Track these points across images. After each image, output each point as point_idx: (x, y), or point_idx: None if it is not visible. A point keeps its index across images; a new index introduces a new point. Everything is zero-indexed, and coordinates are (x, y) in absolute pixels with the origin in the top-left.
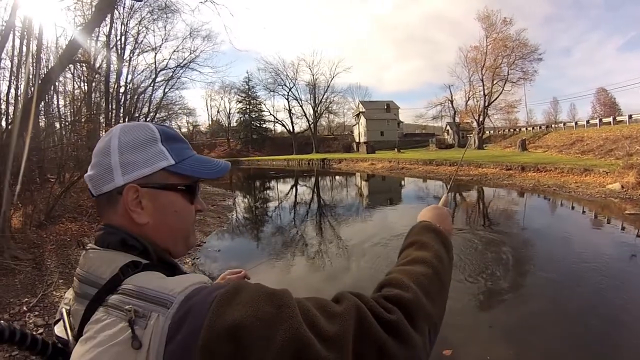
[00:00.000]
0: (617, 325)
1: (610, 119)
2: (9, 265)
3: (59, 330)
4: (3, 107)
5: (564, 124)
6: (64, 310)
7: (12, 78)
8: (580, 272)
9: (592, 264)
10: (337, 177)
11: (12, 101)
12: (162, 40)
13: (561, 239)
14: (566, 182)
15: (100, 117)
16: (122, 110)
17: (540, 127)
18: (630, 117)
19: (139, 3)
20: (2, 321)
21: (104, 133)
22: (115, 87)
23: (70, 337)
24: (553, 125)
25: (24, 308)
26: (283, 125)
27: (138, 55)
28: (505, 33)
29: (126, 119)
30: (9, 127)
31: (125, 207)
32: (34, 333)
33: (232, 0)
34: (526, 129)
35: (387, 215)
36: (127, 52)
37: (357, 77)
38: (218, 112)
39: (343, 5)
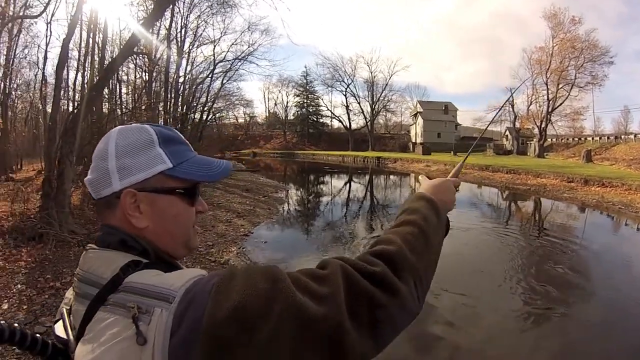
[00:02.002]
0: None
1: None
2: (66, 238)
3: (59, 330)
4: (71, 93)
5: (635, 136)
6: (64, 310)
7: (80, 67)
8: (636, 304)
9: None
10: (391, 177)
11: (79, 88)
12: (221, 33)
13: (622, 262)
14: (633, 201)
15: (160, 106)
16: (180, 100)
17: (608, 138)
18: None
19: None
20: (2, 321)
21: (162, 121)
22: (175, 77)
23: (71, 337)
24: (623, 137)
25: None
26: (340, 121)
27: (197, 47)
28: (573, 33)
29: (184, 108)
30: (75, 111)
31: (123, 212)
32: (34, 333)
33: None
34: (592, 138)
35: None
36: (187, 44)
37: (416, 77)
38: (275, 104)
39: (405, 2)
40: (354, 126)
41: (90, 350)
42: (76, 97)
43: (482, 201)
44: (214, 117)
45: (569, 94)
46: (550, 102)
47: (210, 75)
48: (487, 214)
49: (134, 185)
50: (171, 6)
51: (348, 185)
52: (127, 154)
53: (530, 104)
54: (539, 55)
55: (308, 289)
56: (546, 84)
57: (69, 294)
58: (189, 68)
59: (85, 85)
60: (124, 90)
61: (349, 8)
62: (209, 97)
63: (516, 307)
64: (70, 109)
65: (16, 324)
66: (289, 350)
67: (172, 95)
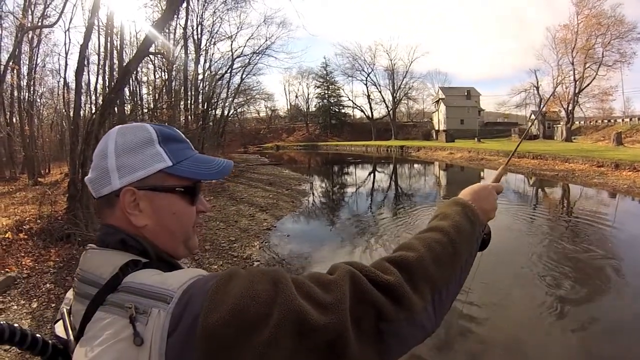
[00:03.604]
0: None
1: None
2: (91, 238)
3: (59, 330)
4: (92, 97)
5: None
6: (64, 310)
7: (99, 71)
8: None
9: None
10: (415, 165)
11: (100, 91)
12: (238, 28)
13: None
14: None
15: (180, 104)
16: (200, 97)
17: (639, 119)
18: None
19: None
20: (2, 321)
21: (183, 119)
22: (194, 75)
23: (71, 337)
24: None
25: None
26: (362, 110)
27: (214, 44)
28: (598, 9)
29: (205, 105)
30: (94, 115)
31: (123, 210)
32: (35, 333)
33: None
34: (622, 120)
35: None
36: (204, 41)
37: (437, 63)
38: (296, 97)
39: None
40: (376, 115)
41: (89, 350)
42: (98, 100)
43: (508, 188)
44: (235, 112)
45: (596, 74)
46: (577, 83)
47: (229, 71)
48: (514, 201)
49: (134, 183)
50: (185, 5)
51: (372, 175)
52: (127, 153)
53: (557, 85)
54: (564, 34)
55: (311, 295)
56: (572, 64)
57: (70, 294)
58: (207, 65)
59: (107, 88)
60: (144, 90)
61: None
62: (229, 93)
63: (545, 296)
64: (92, 112)
65: (16, 324)
66: (287, 358)
67: (192, 93)
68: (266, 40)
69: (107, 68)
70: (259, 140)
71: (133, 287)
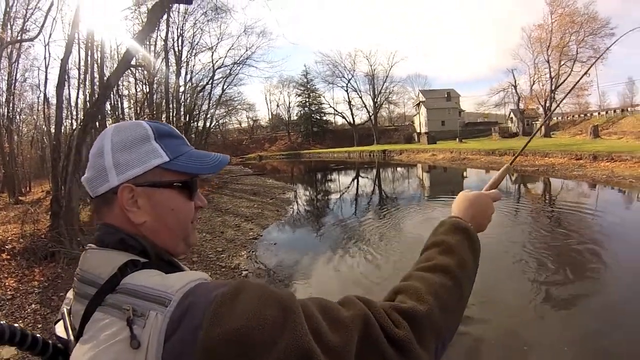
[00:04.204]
0: None
1: None
2: (76, 255)
3: (59, 330)
4: (73, 112)
5: None
6: (64, 310)
7: (80, 85)
8: None
9: None
10: (398, 169)
11: (81, 106)
12: (218, 39)
13: (637, 238)
14: None
15: (162, 117)
16: (182, 109)
17: (614, 112)
18: None
19: (191, 6)
20: (2, 321)
21: None
22: (175, 87)
23: (71, 337)
24: (629, 109)
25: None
26: (343, 117)
27: (195, 55)
28: (572, 7)
29: (187, 117)
30: (77, 129)
31: (121, 207)
32: (35, 333)
33: None
34: (598, 113)
35: (447, 210)
36: (185, 53)
37: (416, 67)
38: (278, 106)
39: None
40: (357, 121)
41: (86, 350)
42: (79, 115)
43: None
44: (217, 123)
45: (571, 70)
46: (553, 79)
47: (210, 82)
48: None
49: (131, 180)
50: (166, 17)
51: (355, 180)
52: (123, 150)
53: (533, 83)
54: (539, 33)
55: (319, 333)
56: (548, 62)
57: (70, 294)
58: (188, 77)
59: (87, 102)
60: (125, 104)
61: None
62: (210, 104)
63: (534, 285)
64: (74, 127)
65: (17, 324)
66: None
67: (174, 105)
68: (246, 50)
69: (87, 82)
70: (242, 151)
71: (132, 289)
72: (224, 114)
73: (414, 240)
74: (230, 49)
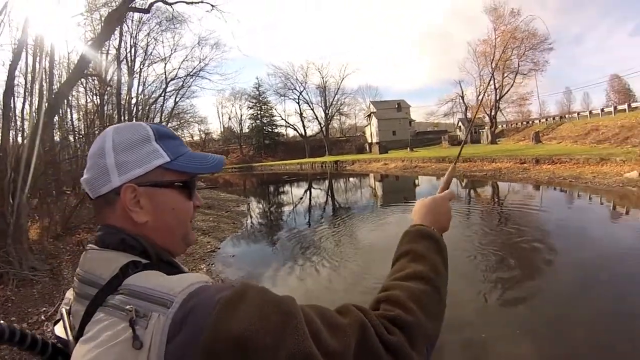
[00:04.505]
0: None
1: (625, 106)
2: (27, 276)
3: (59, 330)
4: (19, 123)
5: (578, 114)
6: (64, 311)
7: (27, 94)
8: (600, 265)
9: (613, 256)
10: (350, 179)
11: (27, 117)
12: (171, 50)
13: (580, 232)
14: (582, 173)
15: None
16: (134, 121)
17: (553, 119)
18: None
19: (147, 15)
20: (1, 322)
21: None
22: (127, 98)
23: (70, 337)
24: (567, 116)
25: (42, 317)
26: (295, 129)
27: (148, 66)
28: (514, 24)
29: None
30: (24, 142)
31: (123, 207)
32: (34, 333)
33: (239, 7)
34: (539, 121)
35: (401, 216)
36: (138, 63)
37: (368, 78)
38: (229, 119)
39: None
40: (309, 133)
41: (88, 351)
42: (25, 126)
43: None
44: None
45: (514, 82)
46: (498, 90)
47: (162, 94)
48: (450, 202)
49: (134, 180)
50: (119, 25)
51: (308, 192)
52: (125, 150)
53: (479, 94)
54: (484, 48)
55: (319, 338)
56: (492, 74)
57: (69, 294)
58: (141, 88)
59: (34, 113)
60: (75, 115)
61: (295, 20)
62: (162, 117)
63: (488, 281)
64: (19, 139)
65: (16, 325)
66: None
67: (126, 118)
68: (200, 62)
69: (35, 91)
70: None
71: (134, 290)
72: (176, 127)
73: (369, 246)
74: (184, 60)
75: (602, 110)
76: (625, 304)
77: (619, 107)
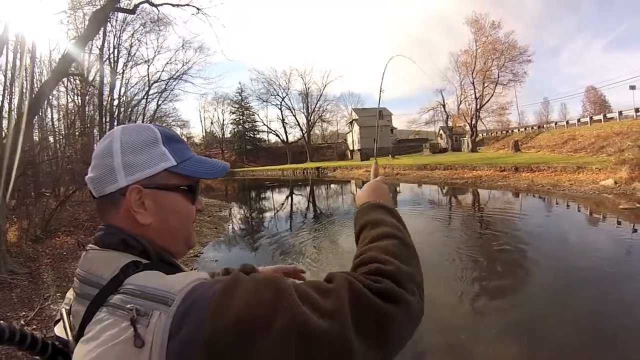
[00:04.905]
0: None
1: (601, 117)
2: (5, 280)
3: (59, 330)
4: None
5: (556, 124)
6: (63, 311)
7: (6, 93)
8: (578, 270)
9: (590, 260)
10: (332, 185)
11: (6, 115)
12: (155, 52)
13: (558, 237)
14: (560, 181)
15: (95, 131)
16: (115, 123)
17: (532, 128)
18: (620, 113)
19: (132, 16)
20: (1, 321)
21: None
22: (109, 100)
23: (70, 337)
24: (545, 125)
25: (22, 322)
26: (277, 135)
27: (131, 68)
28: (494, 36)
29: None
30: (3, 141)
31: (128, 208)
32: (34, 333)
33: (224, 11)
34: (518, 130)
35: None
36: (120, 65)
37: (350, 85)
38: (212, 123)
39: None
40: (290, 139)
41: (89, 350)
42: (3, 125)
43: (424, 198)
44: None
45: (494, 92)
46: (478, 100)
47: (145, 97)
48: (432, 208)
49: (140, 181)
50: (105, 24)
51: (290, 198)
52: (133, 151)
53: (460, 103)
54: (465, 58)
55: (312, 303)
56: (473, 84)
57: (69, 294)
58: (123, 90)
59: (13, 112)
60: (55, 116)
61: (282, 19)
62: (144, 120)
63: (468, 283)
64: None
65: (16, 325)
66: None
67: (107, 120)
68: (183, 65)
69: (15, 89)
70: None
71: (134, 289)
72: None
73: (350, 252)
74: (167, 63)
75: (579, 120)
76: (598, 304)
77: (595, 118)
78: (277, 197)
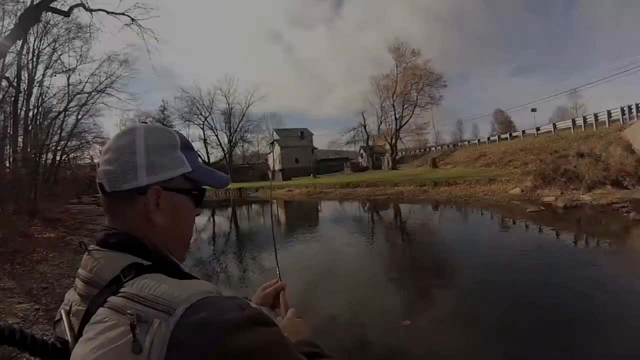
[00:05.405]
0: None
1: (507, 135)
2: None
3: (58, 330)
4: None
5: (469, 142)
6: (62, 311)
7: None
8: (494, 265)
9: (506, 254)
10: (253, 206)
11: None
12: (77, 62)
13: (476, 240)
14: (475, 192)
15: (6, 142)
16: (31, 138)
17: (448, 146)
18: (523, 132)
19: (58, 18)
20: (1, 322)
21: (9, 163)
22: (25, 109)
23: (70, 338)
24: (459, 144)
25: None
26: (198, 155)
27: (51, 76)
28: (414, 63)
29: (37, 147)
30: None
31: (144, 207)
32: (34, 333)
33: (158, 25)
34: (435, 148)
35: (304, 243)
36: (39, 72)
37: (273, 106)
38: None
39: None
40: (212, 159)
41: (87, 352)
42: None
43: (348, 215)
44: (67, 157)
45: (412, 113)
46: (398, 121)
47: (65, 109)
48: (356, 224)
49: (159, 183)
50: (35, 24)
51: (211, 219)
52: (156, 152)
53: (381, 123)
54: (386, 82)
55: None
56: (393, 106)
57: (69, 294)
58: (40, 100)
59: None
60: None
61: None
62: (62, 135)
63: (402, 288)
64: None
65: (15, 325)
66: None
67: (21, 133)
68: (107, 78)
69: None
70: (94, 190)
71: (136, 294)
72: (76, 147)
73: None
74: (92, 74)
75: (489, 138)
76: (517, 289)
77: (502, 136)
78: (198, 218)
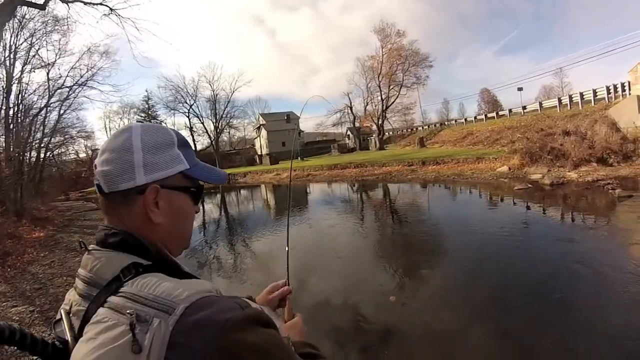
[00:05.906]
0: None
1: (494, 114)
2: None
3: (59, 330)
4: None
5: (456, 121)
6: (62, 311)
7: None
8: (483, 241)
9: (494, 233)
10: (242, 191)
11: None
12: (56, 55)
13: (465, 218)
14: (463, 171)
15: None
16: (13, 136)
17: (435, 125)
18: (510, 111)
19: (33, 12)
20: (1, 321)
21: None
22: (5, 107)
23: (70, 338)
24: (446, 123)
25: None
26: None
27: (30, 72)
28: (399, 43)
29: (18, 146)
30: None
31: (142, 206)
32: (34, 333)
33: (138, 14)
34: (422, 127)
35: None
36: (18, 67)
37: (259, 90)
38: None
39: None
40: (199, 147)
41: (87, 352)
42: None
43: (337, 197)
44: (52, 154)
45: (399, 94)
46: (384, 101)
47: (46, 105)
48: (345, 205)
49: (157, 181)
50: (11, 19)
51: (200, 206)
52: (154, 151)
53: (367, 105)
54: (371, 63)
55: None
56: (379, 87)
57: (69, 294)
58: (20, 97)
59: None
60: None
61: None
62: (45, 132)
63: (392, 265)
64: None
65: (15, 325)
66: None
67: (2, 132)
68: (87, 71)
69: None
70: (82, 185)
71: (135, 294)
72: (60, 143)
73: (267, 257)
74: (72, 67)
75: (475, 117)
76: (506, 264)
77: (489, 115)
78: None
